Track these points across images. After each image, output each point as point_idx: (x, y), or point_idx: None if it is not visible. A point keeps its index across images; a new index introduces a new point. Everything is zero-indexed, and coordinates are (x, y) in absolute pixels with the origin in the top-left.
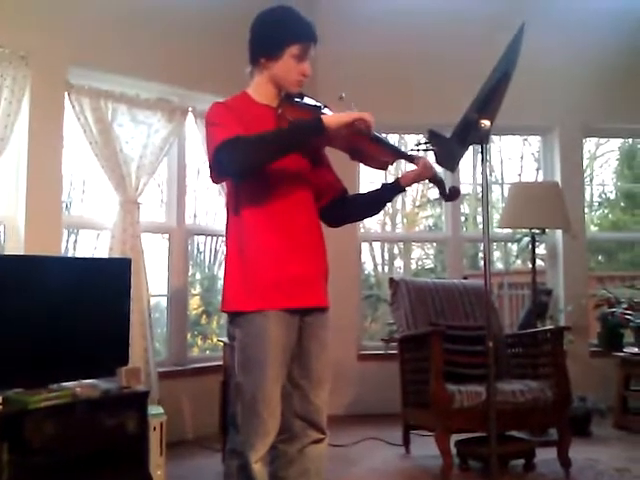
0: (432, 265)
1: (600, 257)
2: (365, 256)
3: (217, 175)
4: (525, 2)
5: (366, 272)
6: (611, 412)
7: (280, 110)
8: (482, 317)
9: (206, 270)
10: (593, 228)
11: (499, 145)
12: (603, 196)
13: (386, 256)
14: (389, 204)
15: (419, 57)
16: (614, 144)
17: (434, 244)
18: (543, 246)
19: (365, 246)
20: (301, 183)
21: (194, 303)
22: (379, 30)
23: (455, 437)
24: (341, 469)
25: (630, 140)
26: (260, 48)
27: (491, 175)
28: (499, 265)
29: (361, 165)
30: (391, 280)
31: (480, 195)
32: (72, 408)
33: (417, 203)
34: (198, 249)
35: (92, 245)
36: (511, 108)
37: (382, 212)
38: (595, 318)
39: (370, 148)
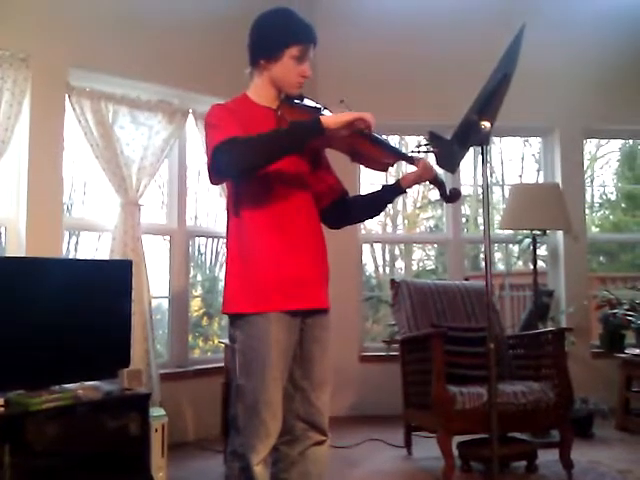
0: (433, 266)
1: (602, 258)
2: (366, 257)
3: (215, 176)
4: (525, 3)
5: (367, 273)
6: (613, 414)
7: (280, 112)
8: (483, 318)
9: (207, 272)
10: (594, 229)
11: (500, 146)
12: (604, 197)
13: (387, 257)
14: (390, 205)
15: (419, 59)
16: (615, 145)
17: (435, 245)
18: (544, 247)
19: (366, 247)
20: (301, 185)
21: (195, 305)
22: (379, 32)
23: (457, 439)
24: (343, 471)
25: (631, 141)
26: (259, 50)
27: (492, 176)
28: (500, 266)
29: (361, 167)
30: (392, 281)
31: (481, 196)
32: (74, 410)
33: (418, 204)
34: (199, 251)
35: (93, 247)
36: (512, 109)
37: (383, 213)
38: (597, 319)
39: (370, 150)
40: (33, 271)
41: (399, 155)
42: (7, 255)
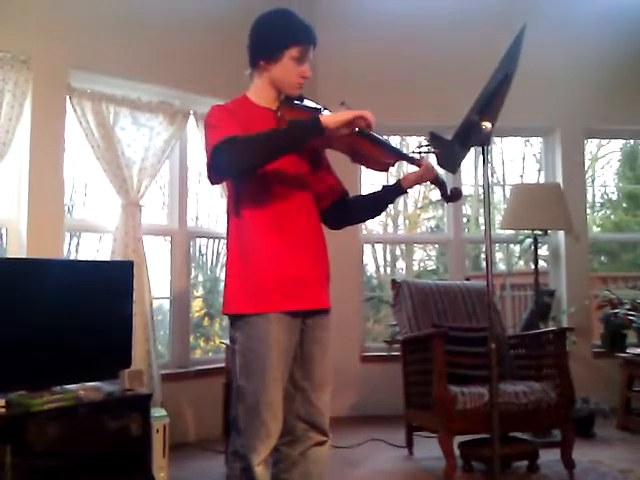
0: (434, 266)
1: (603, 258)
2: (367, 258)
3: (215, 176)
4: (526, 4)
5: (368, 274)
6: (614, 413)
7: (280, 112)
8: (484, 318)
9: (208, 272)
10: (595, 229)
11: (501, 146)
12: (605, 197)
13: (388, 258)
14: (391, 206)
15: (420, 59)
16: (616, 145)
17: (436, 245)
18: (545, 247)
19: (367, 248)
20: (301, 185)
21: (196, 305)
22: (379, 33)
23: (458, 439)
24: (344, 471)
25: (632, 141)
26: (259, 51)
27: (493, 176)
28: (501, 266)
29: (362, 167)
30: (393, 282)
31: (482, 196)
32: (75, 411)
33: (419, 205)
34: (200, 251)
35: (94, 248)
36: (513, 110)
37: (384, 214)
38: (598, 319)
39: (371, 150)
40: (34, 272)
41: (400, 155)
42: (8, 256)
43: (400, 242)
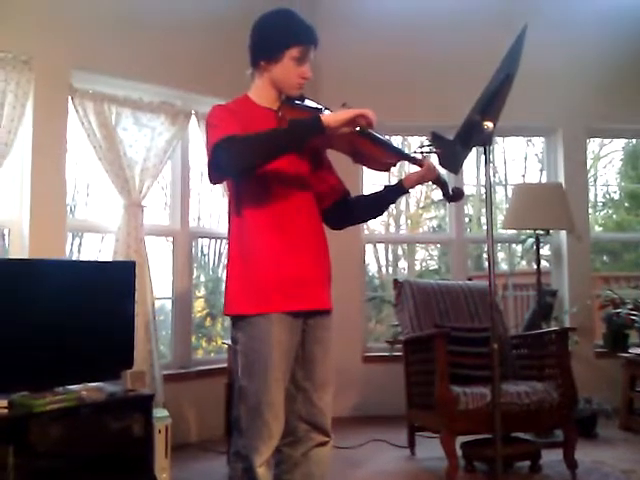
0: (436, 266)
1: (605, 257)
2: (369, 258)
3: (215, 174)
4: (526, 4)
5: (370, 274)
6: (617, 413)
7: (280, 112)
8: (487, 318)
9: (210, 272)
10: (597, 229)
11: (503, 146)
12: (607, 196)
13: (390, 257)
14: (392, 206)
15: (421, 59)
16: (618, 144)
17: (438, 245)
18: (547, 247)
19: (369, 247)
20: (302, 185)
21: (198, 305)
22: (380, 33)
23: (460, 439)
24: (346, 471)
25: (634, 140)
26: (260, 51)
27: (495, 176)
28: (504, 266)
29: (364, 167)
30: (395, 281)
31: (484, 196)
32: (77, 411)
33: (421, 204)
34: (202, 251)
35: (96, 248)
36: (514, 109)
37: (386, 213)
38: (600, 319)
39: (372, 150)
40: (36, 273)
41: (401, 155)
42: (11, 257)
43: (402, 242)
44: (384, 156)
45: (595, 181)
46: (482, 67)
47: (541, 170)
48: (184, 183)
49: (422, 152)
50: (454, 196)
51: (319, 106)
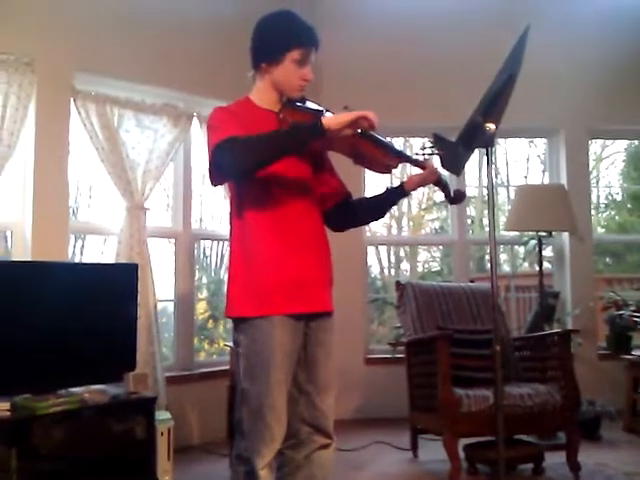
0: (438, 268)
1: (608, 259)
2: (371, 259)
3: (216, 176)
4: (529, 4)
5: (372, 275)
6: (620, 415)
7: (282, 115)
8: (489, 320)
9: (212, 274)
10: (600, 230)
11: (505, 147)
12: (610, 198)
13: (392, 259)
14: (395, 207)
15: (423, 60)
16: (620, 145)
17: (440, 247)
18: (550, 249)
19: (371, 249)
20: (304, 188)
21: (201, 307)
22: (382, 33)
23: (463, 441)
24: (349, 474)
25: (636, 141)
26: (261, 53)
27: (497, 178)
28: (506, 268)
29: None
30: (398, 283)
31: (486, 198)
32: (80, 414)
33: (423, 206)
34: (204, 253)
35: (99, 250)
36: (517, 110)
37: (388, 215)
38: (603, 321)
39: (374, 152)
40: (39, 275)
41: (403, 157)
42: (13, 259)
43: (404, 244)
44: (385, 158)
45: (597, 182)
46: (484, 67)
47: (543, 171)
48: (186, 185)
49: (424, 154)
50: (455, 198)
51: (320, 108)
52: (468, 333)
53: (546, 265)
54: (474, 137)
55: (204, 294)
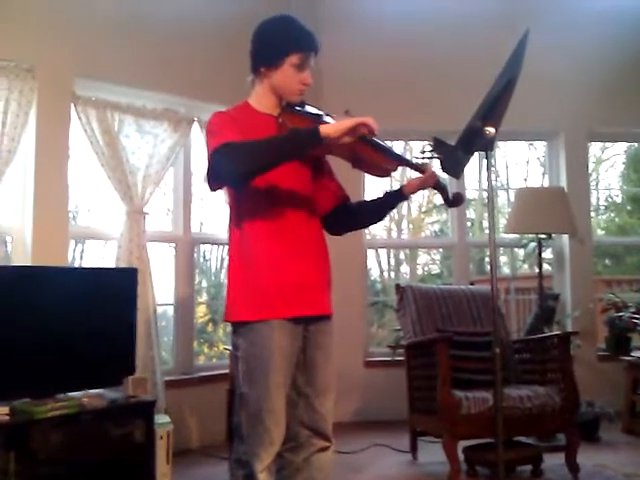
0: (438, 271)
1: (607, 261)
2: (371, 262)
3: (214, 181)
4: (527, 7)
5: (372, 278)
6: (619, 417)
7: (281, 119)
8: (489, 323)
9: (212, 278)
10: (600, 232)
11: (504, 150)
12: (609, 200)
13: (392, 262)
14: (395, 210)
15: (424, 63)
16: (620, 147)
17: (440, 250)
18: (550, 251)
19: (371, 252)
20: (302, 192)
21: (200, 311)
22: (383, 37)
23: (462, 443)
24: (348, 476)
25: (636, 144)
26: (260, 57)
27: (497, 180)
28: (506, 270)
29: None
30: (397, 286)
31: (486, 200)
32: (79, 418)
33: (423, 209)
34: (204, 257)
35: (99, 255)
36: (516, 113)
37: (388, 218)
38: (602, 322)
39: (373, 156)
40: (39, 279)
41: (402, 161)
42: (13, 264)
43: (404, 246)
44: (385, 162)
45: (597, 185)
46: (485, 70)
47: (543, 174)
48: (186, 189)
49: (424, 157)
50: (454, 201)
51: (320, 112)
52: (468, 335)
53: (546, 267)
54: (473, 141)
55: (204, 298)
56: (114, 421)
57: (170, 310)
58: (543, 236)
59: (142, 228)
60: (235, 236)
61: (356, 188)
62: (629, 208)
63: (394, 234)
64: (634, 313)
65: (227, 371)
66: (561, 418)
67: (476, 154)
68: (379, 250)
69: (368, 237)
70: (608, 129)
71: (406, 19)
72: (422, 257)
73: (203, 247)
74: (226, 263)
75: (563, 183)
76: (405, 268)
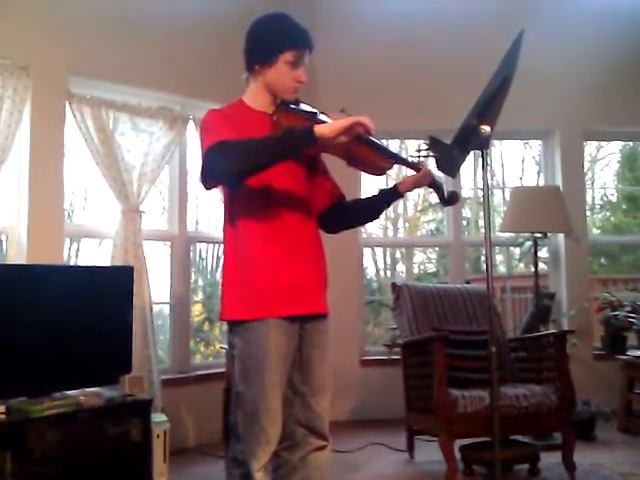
0: (434, 269)
1: (603, 260)
2: (367, 261)
3: (209, 179)
4: (524, 7)
5: (368, 277)
6: (615, 416)
7: (275, 117)
8: (485, 321)
9: (208, 277)
10: (595, 231)
11: (500, 149)
12: (605, 199)
13: (388, 261)
14: (390, 209)
15: (420, 63)
16: (615, 146)
17: (436, 248)
18: (545, 250)
19: (367, 251)
20: (297, 191)
21: (196, 310)
22: (379, 36)
23: (459, 442)
24: (345, 475)
25: (631, 143)
26: (254, 54)
27: (492, 179)
28: (502, 269)
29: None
30: (394, 285)
31: (481, 199)
32: (75, 416)
33: (419, 207)
34: (200, 256)
35: (94, 253)
36: (512, 112)
37: (383, 217)
38: (598, 321)
39: (369, 154)
40: (34, 278)
41: (398, 159)
42: (8, 262)
43: (400, 245)
44: (380, 160)
45: (592, 183)
46: (481, 70)
47: (538, 173)
48: (182, 188)
49: (419, 156)
50: (449, 200)
51: (314, 110)
52: (464, 334)
53: (541, 266)
54: (469, 139)
55: (200, 296)
56: (111, 420)
57: (166, 309)
58: (539, 235)
59: (138, 226)
60: (230, 235)
61: (352, 186)
62: (624, 207)
63: (390, 233)
64: (630, 312)
65: (223, 370)
66: (557, 417)
67: (472, 153)
68: (375, 249)
69: (364, 236)
70: (603, 128)
71: (403, 18)
72: (418, 256)
73: (199, 246)
74: (222, 262)
75: (559, 182)
76: (401, 267)
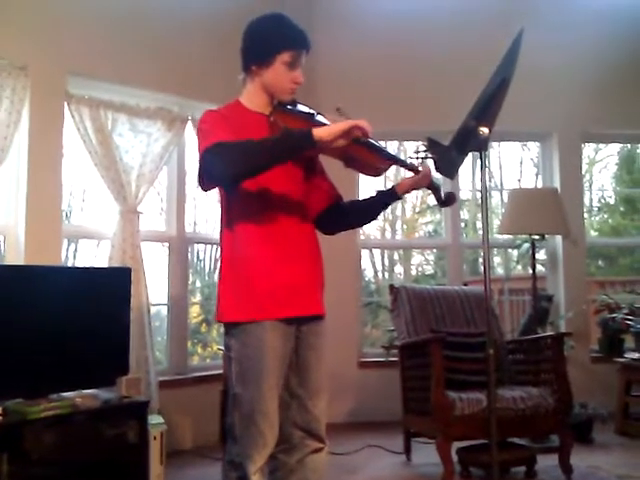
0: (432, 271)
1: (600, 262)
2: (365, 263)
3: (206, 180)
4: (524, 6)
5: (366, 279)
6: (612, 418)
7: (272, 118)
8: (483, 323)
9: (206, 278)
10: (593, 233)
11: (498, 151)
12: (602, 201)
13: (386, 262)
14: (388, 210)
15: (419, 63)
16: (613, 149)
17: (434, 250)
18: (543, 252)
19: (365, 253)
20: (294, 194)
21: (194, 311)
22: (377, 36)
23: (456, 444)
24: (342, 478)
25: (629, 145)
26: (251, 55)
27: (490, 181)
28: (499, 271)
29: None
30: (391, 287)
31: (480, 201)
32: (72, 418)
33: (417, 209)
34: (198, 257)
35: (92, 254)
36: (510, 114)
37: (381, 218)
38: (596, 324)
39: (367, 156)
40: (32, 279)
41: (396, 161)
42: (6, 263)
43: (398, 247)
44: (378, 162)
45: (590, 186)
46: (481, 70)
47: (536, 175)
48: (180, 189)
49: (417, 157)
50: (446, 201)
51: (311, 111)
52: (462, 336)
53: (539, 268)
54: (467, 141)
55: (197, 298)
56: (107, 421)
57: (164, 310)
58: (537, 237)
59: (136, 227)
60: (227, 237)
61: (350, 188)
62: (622, 209)
63: (388, 234)
64: (627, 314)
65: (221, 372)
66: (554, 419)
67: (470, 154)
68: (373, 250)
69: (362, 237)
70: (601, 130)
71: (402, 18)
72: (416, 258)
73: (197, 247)
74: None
75: (556, 184)
76: (399, 268)
